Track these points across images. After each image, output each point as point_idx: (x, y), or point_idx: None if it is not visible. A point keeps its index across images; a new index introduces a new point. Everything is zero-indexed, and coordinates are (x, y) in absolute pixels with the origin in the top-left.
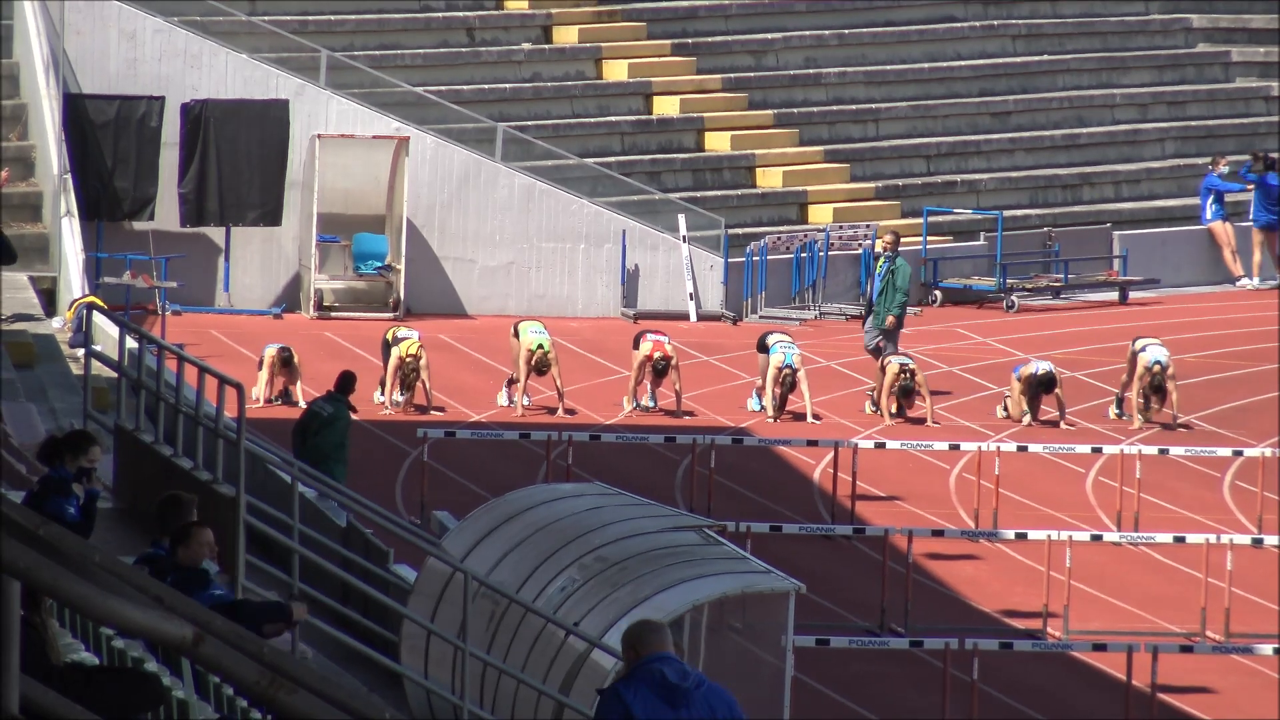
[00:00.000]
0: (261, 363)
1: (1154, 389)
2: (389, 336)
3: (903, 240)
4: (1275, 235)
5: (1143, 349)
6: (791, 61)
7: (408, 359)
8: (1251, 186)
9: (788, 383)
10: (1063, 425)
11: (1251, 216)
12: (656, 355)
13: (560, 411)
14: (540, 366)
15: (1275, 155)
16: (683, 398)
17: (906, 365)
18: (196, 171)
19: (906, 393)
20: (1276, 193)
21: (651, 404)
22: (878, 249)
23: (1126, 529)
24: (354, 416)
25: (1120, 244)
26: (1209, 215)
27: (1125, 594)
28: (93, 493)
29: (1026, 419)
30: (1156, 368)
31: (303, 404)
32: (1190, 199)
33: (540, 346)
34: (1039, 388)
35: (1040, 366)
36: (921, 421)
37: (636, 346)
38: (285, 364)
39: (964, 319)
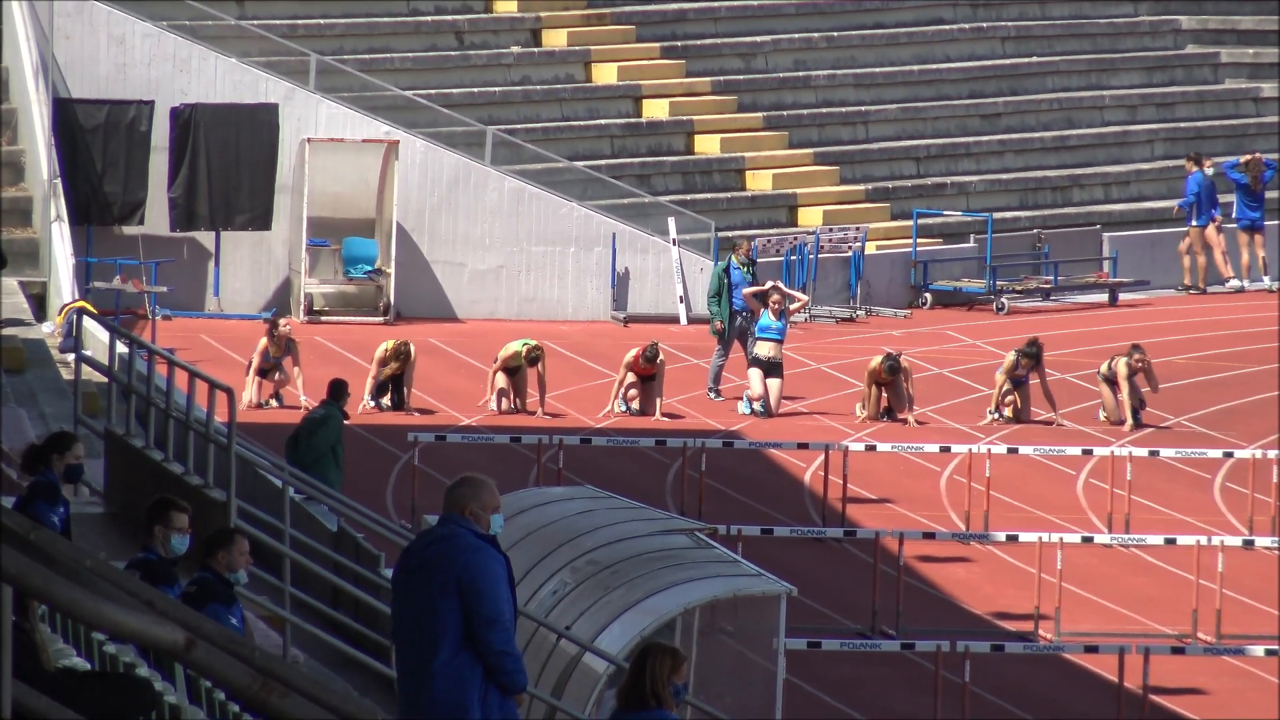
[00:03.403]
0: (249, 366)
1: (1139, 369)
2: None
3: (891, 242)
4: (1260, 235)
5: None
6: (781, 64)
7: (391, 351)
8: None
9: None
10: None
11: (1235, 217)
12: (646, 348)
13: (540, 413)
14: (531, 357)
15: (1262, 156)
16: (660, 403)
17: (890, 354)
18: (186, 176)
19: (893, 371)
20: (1259, 193)
21: (637, 409)
22: (739, 260)
23: (1118, 531)
24: (346, 422)
25: (1110, 245)
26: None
27: (1117, 596)
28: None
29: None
30: (1135, 356)
31: (305, 400)
32: (1178, 200)
33: (525, 344)
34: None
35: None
36: (904, 422)
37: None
38: (275, 327)
39: (954, 321)
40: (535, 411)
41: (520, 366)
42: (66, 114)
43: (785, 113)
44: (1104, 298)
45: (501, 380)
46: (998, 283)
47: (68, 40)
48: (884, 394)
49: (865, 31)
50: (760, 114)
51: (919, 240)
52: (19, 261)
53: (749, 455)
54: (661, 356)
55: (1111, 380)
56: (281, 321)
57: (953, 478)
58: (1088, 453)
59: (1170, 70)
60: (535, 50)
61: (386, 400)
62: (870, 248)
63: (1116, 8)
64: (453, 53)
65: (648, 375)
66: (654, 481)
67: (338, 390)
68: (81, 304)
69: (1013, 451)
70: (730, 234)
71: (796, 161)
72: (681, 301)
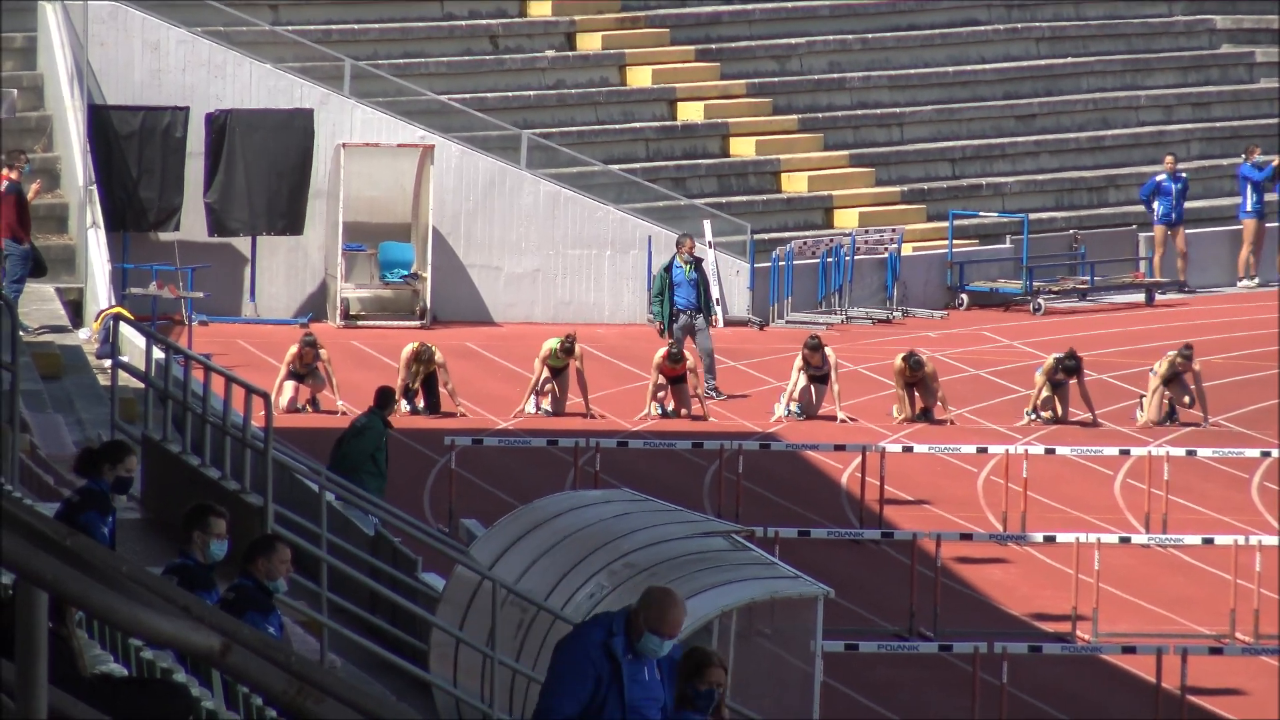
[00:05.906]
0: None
1: (1183, 361)
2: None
3: (927, 243)
4: None
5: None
6: (815, 66)
7: (413, 354)
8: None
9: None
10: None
11: None
12: (671, 350)
13: (590, 413)
14: (565, 346)
15: None
16: (698, 404)
17: (910, 351)
18: (222, 181)
19: (918, 366)
20: None
21: (671, 410)
22: (682, 258)
23: (1155, 531)
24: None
25: (1146, 246)
26: (1248, 207)
27: (1154, 596)
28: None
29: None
30: (1181, 358)
31: (342, 405)
32: (1215, 200)
33: (561, 339)
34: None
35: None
36: (942, 422)
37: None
38: (310, 346)
39: (990, 322)
40: (588, 413)
41: (563, 366)
42: (101, 120)
43: (820, 115)
44: (1141, 297)
45: (546, 374)
46: (1034, 283)
47: (102, 47)
48: (916, 395)
49: (900, 33)
50: (795, 116)
51: (955, 241)
52: (55, 268)
53: (786, 457)
54: (689, 358)
55: (1172, 378)
56: (308, 340)
57: (990, 479)
58: (1125, 453)
59: (1205, 70)
60: (570, 54)
61: (420, 403)
62: (906, 249)
63: (1151, 8)
64: (487, 57)
65: (676, 376)
66: (691, 484)
67: (384, 399)
68: (118, 310)
69: (1050, 452)
70: (766, 236)
71: (832, 163)
72: (718, 304)
